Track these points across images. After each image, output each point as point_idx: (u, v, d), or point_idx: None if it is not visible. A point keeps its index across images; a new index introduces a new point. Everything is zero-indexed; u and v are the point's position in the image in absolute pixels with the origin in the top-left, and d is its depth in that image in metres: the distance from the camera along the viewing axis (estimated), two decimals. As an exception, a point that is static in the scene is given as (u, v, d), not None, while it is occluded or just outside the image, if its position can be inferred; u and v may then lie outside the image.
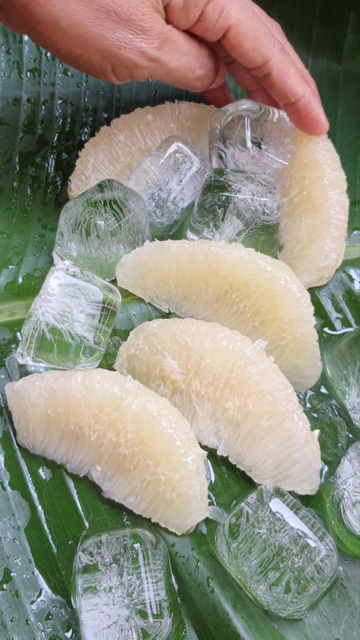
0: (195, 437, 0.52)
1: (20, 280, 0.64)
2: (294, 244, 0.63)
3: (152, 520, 0.51)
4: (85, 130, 0.72)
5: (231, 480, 0.54)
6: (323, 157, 0.64)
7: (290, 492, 0.50)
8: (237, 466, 0.54)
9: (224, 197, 0.59)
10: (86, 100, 0.72)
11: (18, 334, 0.59)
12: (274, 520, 0.47)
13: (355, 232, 0.69)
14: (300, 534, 0.47)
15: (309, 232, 0.62)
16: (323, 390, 0.58)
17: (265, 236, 0.61)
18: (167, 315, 0.61)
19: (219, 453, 0.54)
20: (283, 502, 0.48)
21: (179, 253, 0.58)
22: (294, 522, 0.47)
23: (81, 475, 0.53)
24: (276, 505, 0.48)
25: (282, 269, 0.57)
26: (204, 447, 0.53)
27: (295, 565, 0.46)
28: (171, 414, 0.51)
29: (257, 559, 0.46)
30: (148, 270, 0.60)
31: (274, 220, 0.61)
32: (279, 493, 0.48)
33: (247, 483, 0.54)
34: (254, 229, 0.60)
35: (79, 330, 0.54)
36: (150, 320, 0.59)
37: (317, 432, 0.53)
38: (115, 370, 0.57)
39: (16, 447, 0.54)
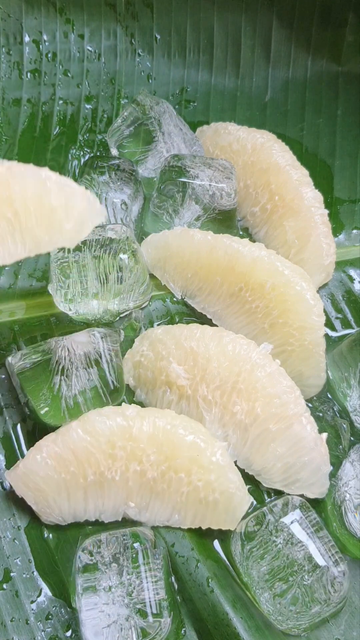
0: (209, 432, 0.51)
1: (20, 280, 0.64)
2: (285, 249, 0.63)
3: (203, 528, 0.50)
4: (85, 130, 0.72)
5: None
6: (283, 159, 0.64)
7: (300, 495, 0.50)
8: (246, 470, 0.53)
9: (182, 183, 0.59)
10: (86, 100, 0.72)
11: (17, 333, 0.59)
12: (292, 533, 0.47)
13: (354, 231, 0.69)
14: (315, 553, 0.46)
15: (298, 235, 0.62)
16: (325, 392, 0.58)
17: (223, 221, 0.61)
18: (172, 318, 0.61)
19: None
20: (306, 517, 0.47)
21: (201, 243, 0.58)
22: (312, 540, 0.47)
23: (120, 520, 0.51)
24: (298, 519, 0.47)
25: (300, 275, 0.56)
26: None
27: (304, 582, 0.45)
28: (183, 421, 0.49)
29: (267, 565, 0.46)
30: (170, 254, 0.60)
31: (231, 205, 0.61)
32: (304, 507, 0.48)
33: (247, 481, 0.54)
34: (211, 214, 0.61)
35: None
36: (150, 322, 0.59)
37: (325, 435, 0.52)
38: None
39: (16, 447, 0.54)
